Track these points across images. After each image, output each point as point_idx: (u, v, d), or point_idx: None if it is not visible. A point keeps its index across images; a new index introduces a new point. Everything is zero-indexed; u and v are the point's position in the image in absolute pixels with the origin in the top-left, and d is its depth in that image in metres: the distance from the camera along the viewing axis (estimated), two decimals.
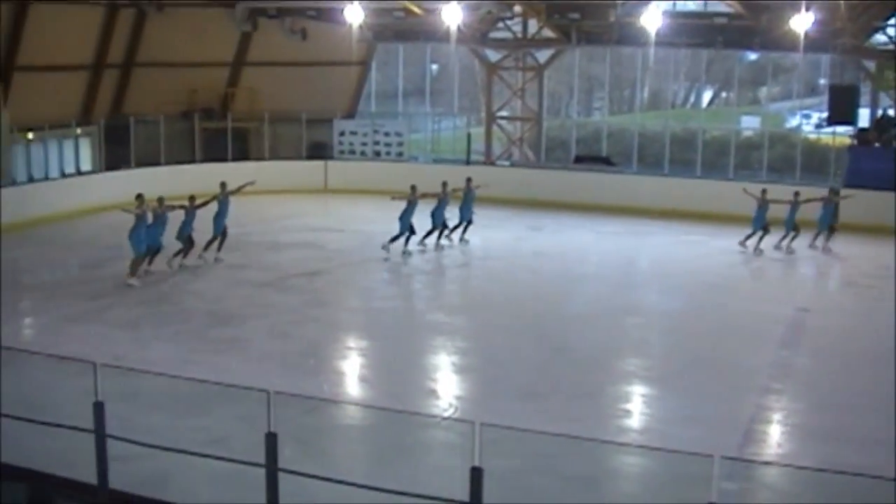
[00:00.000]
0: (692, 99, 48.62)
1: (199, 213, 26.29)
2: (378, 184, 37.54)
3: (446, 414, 16.64)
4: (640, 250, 30.98)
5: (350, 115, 43.73)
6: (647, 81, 45.65)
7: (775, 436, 16.08)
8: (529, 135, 42.70)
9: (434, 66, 46.47)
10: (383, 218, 31.97)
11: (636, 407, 17.58)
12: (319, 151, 41.94)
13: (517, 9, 40.04)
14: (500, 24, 41.07)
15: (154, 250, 25.62)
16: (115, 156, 38.51)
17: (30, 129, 37.28)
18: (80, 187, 36.85)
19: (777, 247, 29.92)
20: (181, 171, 38.98)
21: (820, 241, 30.46)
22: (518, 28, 40.99)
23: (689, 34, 37.13)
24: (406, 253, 28.58)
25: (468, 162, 40.59)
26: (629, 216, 34.59)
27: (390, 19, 40.47)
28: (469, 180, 31.02)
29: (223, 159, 39.92)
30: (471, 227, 30.83)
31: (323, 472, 9.85)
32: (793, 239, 29.95)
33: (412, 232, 28.75)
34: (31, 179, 37.06)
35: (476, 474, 8.70)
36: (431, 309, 24.13)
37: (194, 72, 42.23)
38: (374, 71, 45.08)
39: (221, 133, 40.68)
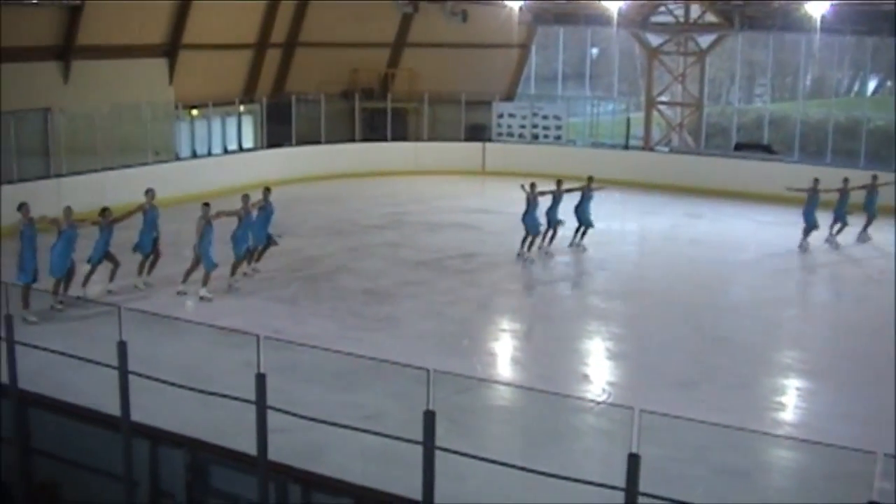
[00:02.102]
0: (856, 87, 47.41)
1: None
2: (536, 167, 37.45)
3: (601, 399, 16.59)
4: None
5: (509, 97, 43.71)
6: (810, 68, 44.60)
7: None
8: (689, 121, 42.11)
9: (594, 50, 46.08)
10: (542, 201, 31.97)
11: (791, 400, 17.26)
12: (478, 133, 42.04)
13: None
14: (662, 9, 40.58)
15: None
16: (276, 133, 39.18)
17: (194, 107, 38.10)
18: (241, 164, 37.56)
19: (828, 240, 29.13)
20: (341, 149, 39.62)
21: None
22: (680, 12, 40.43)
23: (854, 21, 36.18)
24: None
25: (627, 147, 40.31)
26: (790, 206, 33.86)
27: (551, 3, 40.34)
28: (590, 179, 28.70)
29: (382, 139, 40.33)
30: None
31: (474, 451, 9.89)
32: (840, 231, 29.19)
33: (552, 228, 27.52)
34: (194, 155, 37.92)
35: (633, 461, 8.65)
36: (587, 294, 24.03)
37: (355, 52, 42.64)
38: (534, 54, 44.88)
39: (381, 113, 41.07)
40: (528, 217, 26.23)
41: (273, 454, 10.66)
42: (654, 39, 41.94)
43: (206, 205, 22.73)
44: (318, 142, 39.50)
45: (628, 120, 41.68)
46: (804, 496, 13.11)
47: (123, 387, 11.25)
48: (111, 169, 32.12)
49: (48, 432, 13.03)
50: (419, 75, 43.01)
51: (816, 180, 28.41)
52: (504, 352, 20.09)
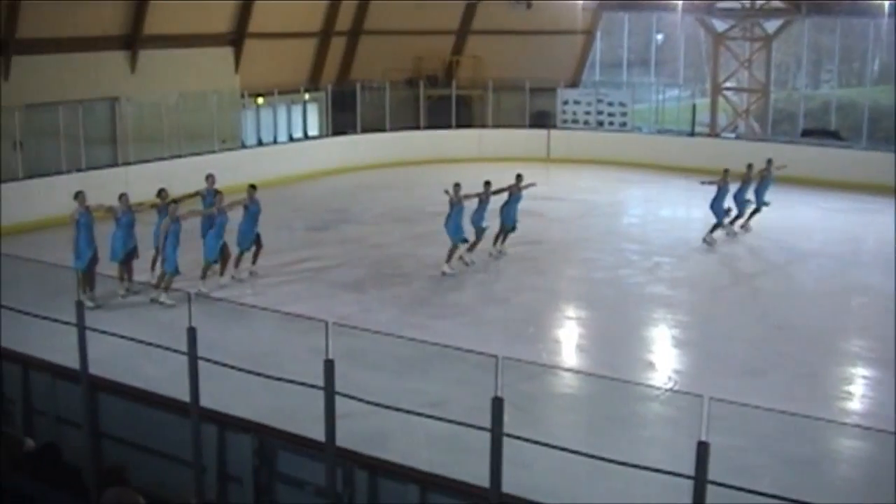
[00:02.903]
0: None
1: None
2: (601, 154, 37.44)
3: (667, 387, 16.54)
4: (868, 228, 29.94)
5: (574, 84, 43.58)
6: (878, 54, 44.06)
7: None
8: (756, 107, 41.76)
9: (659, 36, 45.78)
10: (606, 188, 31.94)
11: (858, 389, 17.10)
12: (542, 120, 41.96)
13: None
14: None
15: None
16: (341, 121, 39.35)
17: (260, 95, 38.34)
18: (306, 151, 37.83)
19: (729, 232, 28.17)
20: (405, 137, 39.67)
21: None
22: None
23: None
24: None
25: (693, 134, 40.06)
26: (857, 193, 33.57)
27: None
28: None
29: (447, 126, 40.35)
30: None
31: (539, 439, 9.88)
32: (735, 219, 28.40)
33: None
34: (260, 143, 38.17)
35: (702, 449, 8.59)
36: (652, 281, 23.91)
37: (420, 40, 42.73)
38: (599, 40, 44.74)
39: (445, 100, 41.09)
40: (451, 222, 23.82)
41: (340, 440, 10.71)
42: (720, 25, 41.62)
43: (175, 202, 21.95)
44: (382, 129, 39.64)
45: (694, 106, 41.39)
46: (872, 486, 13.01)
47: (193, 372, 11.33)
48: (178, 157, 32.49)
49: (117, 417, 13.16)
50: (484, 62, 43.01)
51: (726, 171, 27.45)
52: (569, 339, 20.10)
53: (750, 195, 28.30)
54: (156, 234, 21.78)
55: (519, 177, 26.12)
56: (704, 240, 27.05)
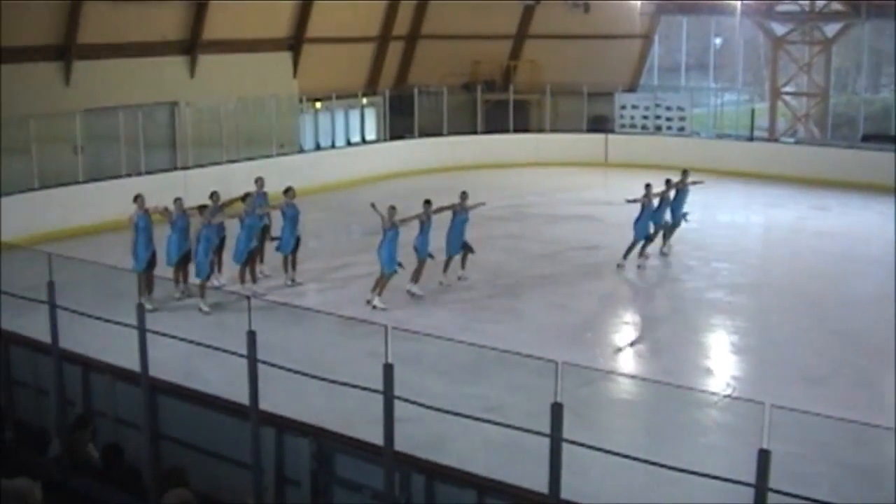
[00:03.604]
0: None
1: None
2: (659, 159, 37.17)
3: (726, 393, 16.44)
4: None
5: (632, 88, 43.42)
6: None
7: None
8: (815, 111, 41.39)
9: (718, 40, 45.54)
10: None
11: None
12: (600, 125, 41.82)
13: None
14: None
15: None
16: (398, 125, 39.49)
17: (317, 99, 38.54)
18: (364, 156, 37.97)
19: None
20: (463, 141, 39.70)
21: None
22: (806, 1, 39.78)
23: None
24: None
25: (751, 138, 39.78)
26: None
27: None
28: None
29: (504, 131, 40.34)
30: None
31: (596, 444, 9.87)
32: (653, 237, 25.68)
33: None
34: (318, 147, 38.40)
35: (764, 457, 8.54)
36: (711, 287, 23.76)
37: (477, 44, 42.77)
38: (657, 44, 44.56)
39: (503, 105, 41.04)
40: (384, 249, 21.28)
41: (397, 444, 10.74)
42: (779, 28, 41.31)
43: (214, 200, 22.06)
44: (440, 134, 39.66)
45: (753, 111, 41.08)
46: None
47: (252, 375, 11.40)
48: (236, 161, 32.65)
49: (176, 419, 13.29)
50: (541, 67, 42.96)
51: (648, 186, 24.95)
52: (627, 344, 20.01)
53: (668, 213, 25.84)
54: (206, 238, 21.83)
55: (464, 194, 23.46)
56: (618, 265, 24.66)
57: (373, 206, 21.73)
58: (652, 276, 24.67)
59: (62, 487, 8.68)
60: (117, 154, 30.11)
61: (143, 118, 30.72)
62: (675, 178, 25.83)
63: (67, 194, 28.16)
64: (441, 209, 22.70)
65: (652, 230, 25.11)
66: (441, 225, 22.74)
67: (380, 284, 21.21)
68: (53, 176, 28.18)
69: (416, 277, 21.99)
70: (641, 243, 24.95)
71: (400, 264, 21.28)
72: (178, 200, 21.55)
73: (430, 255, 22.19)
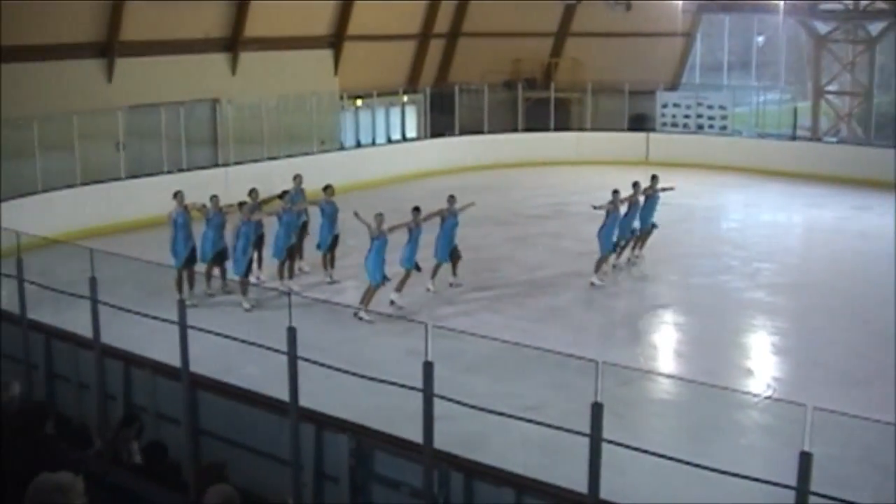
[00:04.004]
0: None
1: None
2: (700, 157, 37.12)
3: (766, 394, 16.35)
4: None
5: (673, 86, 43.23)
6: None
7: None
8: (858, 110, 41.10)
9: (760, 38, 45.28)
10: (705, 192, 31.62)
11: None
12: (641, 123, 41.68)
13: None
14: None
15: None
16: (439, 123, 39.48)
17: (358, 97, 38.61)
18: (404, 153, 38.01)
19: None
20: (503, 139, 39.71)
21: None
22: (849, 0, 39.52)
23: None
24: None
25: (794, 137, 39.53)
26: None
27: None
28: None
29: (545, 129, 40.27)
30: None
31: (635, 444, 9.83)
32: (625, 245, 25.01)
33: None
34: (358, 145, 38.48)
35: (805, 459, 8.48)
36: (752, 287, 23.62)
37: (518, 42, 42.76)
38: (699, 42, 44.36)
39: (544, 103, 40.96)
40: (369, 260, 20.57)
41: (436, 442, 10.74)
42: (822, 27, 41.02)
43: (261, 202, 22.20)
44: (480, 131, 39.69)
45: (795, 110, 40.87)
46: None
47: (292, 372, 11.41)
48: (276, 158, 32.79)
49: (216, 415, 13.33)
50: (582, 65, 42.87)
51: (616, 192, 23.72)
52: (666, 344, 19.96)
53: (637, 220, 24.79)
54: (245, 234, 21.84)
55: (451, 198, 22.67)
56: (592, 283, 23.00)
57: (356, 214, 20.91)
58: (693, 276, 24.56)
59: (103, 482, 8.70)
60: (159, 151, 30.30)
61: (184, 115, 30.93)
62: (646, 184, 24.78)
63: (109, 191, 28.36)
64: (429, 216, 21.96)
65: (616, 238, 23.85)
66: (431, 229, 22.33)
67: (367, 296, 20.47)
68: (96, 172, 28.42)
69: (400, 287, 21.23)
70: (610, 254, 23.79)
71: (386, 277, 20.53)
72: (213, 197, 21.64)
73: (418, 268, 21.55)
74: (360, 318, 20.11)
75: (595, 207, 23.37)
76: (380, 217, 20.68)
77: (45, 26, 28.10)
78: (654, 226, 25.21)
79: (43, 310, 15.78)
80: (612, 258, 24.17)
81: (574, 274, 23.93)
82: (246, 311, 20.66)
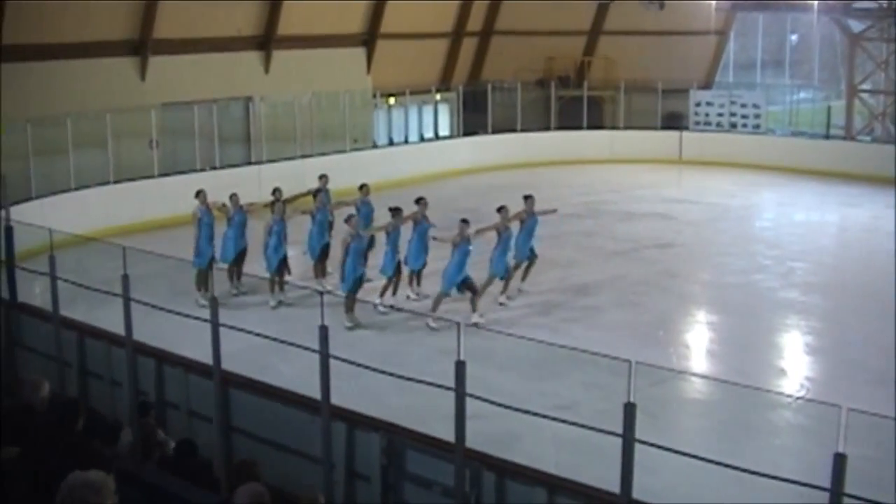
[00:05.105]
0: None
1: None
2: (734, 156, 36.97)
3: (800, 394, 16.26)
4: None
5: (707, 85, 43.07)
6: None
7: None
8: (893, 109, 40.83)
9: (794, 36, 45.09)
10: (739, 191, 31.46)
11: None
12: (674, 122, 41.56)
13: None
14: None
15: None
16: (472, 121, 39.48)
17: (391, 95, 38.64)
18: (437, 152, 37.99)
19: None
20: (536, 138, 39.68)
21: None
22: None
23: None
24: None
25: (827, 136, 39.32)
26: None
27: None
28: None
29: (578, 127, 40.22)
30: None
31: (668, 444, 9.78)
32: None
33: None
34: (391, 143, 38.49)
35: (840, 460, 8.41)
36: (785, 286, 23.49)
37: (551, 40, 42.70)
38: (732, 41, 44.20)
39: (577, 101, 40.93)
40: (346, 265, 19.66)
41: (468, 440, 10.71)
42: (857, 25, 40.75)
43: (285, 202, 21.93)
44: (513, 130, 39.68)
45: (829, 109, 40.68)
46: None
47: (324, 370, 11.42)
48: (309, 156, 32.83)
49: (247, 413, 13.34)
50: (615, 63, 42.76)
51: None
52: (699, 344, 19.87)
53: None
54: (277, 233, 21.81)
55: (420, 200, 21.50)
56: (500, 302, 21.17)
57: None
58: (726, 275, 24.42)
59: (134, 479, 8.73)
60: (192, 149, 30.43)
61: (217, 113, 31.06)
62: (534, 197, 22.09)
63: (142, 189, 28.48)
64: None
65: (512, 264, 21.50)
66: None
67: (347, 303, 19.56)
68: (129, 170, 28.54)
69: (382, 293, 20.71)
70: (501, 281, 21.32)
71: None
72: (233, 196, 21.63)
73: (396, 274, 20.92)
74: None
75: (477, 231, 20.52)
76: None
77: (79, 24, 28.25)
78: (531, 252, 22.05)
79: (76, 307, 15.85)
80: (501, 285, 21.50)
81: (608, 273, 23.89)
82: (272, 309, 20.70)
